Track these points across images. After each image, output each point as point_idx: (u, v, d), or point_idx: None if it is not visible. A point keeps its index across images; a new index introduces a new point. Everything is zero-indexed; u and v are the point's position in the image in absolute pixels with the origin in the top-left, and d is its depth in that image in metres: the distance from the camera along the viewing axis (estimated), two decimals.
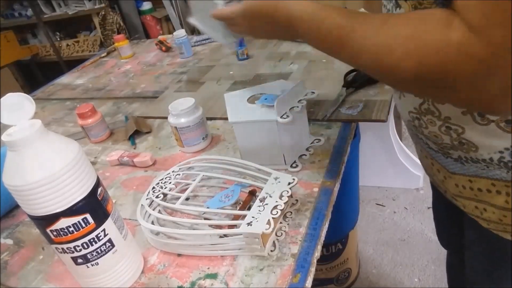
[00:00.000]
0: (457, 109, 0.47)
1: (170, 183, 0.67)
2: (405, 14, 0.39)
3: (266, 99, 0.67)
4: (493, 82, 0.33)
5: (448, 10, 0.34)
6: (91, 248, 0.48)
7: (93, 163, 0.87)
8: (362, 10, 1.18)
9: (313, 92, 0.92)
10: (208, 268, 0.54)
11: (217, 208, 0.58)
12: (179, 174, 0.69)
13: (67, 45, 3.20)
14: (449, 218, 0.77)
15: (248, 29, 0.57)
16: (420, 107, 0.51)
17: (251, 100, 0.70)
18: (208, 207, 0.59)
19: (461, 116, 0.47)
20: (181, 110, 0.77)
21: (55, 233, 0.46)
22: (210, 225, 0.59)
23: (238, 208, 0.59)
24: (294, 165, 0.70)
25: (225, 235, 0.54)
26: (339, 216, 1.13)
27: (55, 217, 0.45)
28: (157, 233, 0.59)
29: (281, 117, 0.63)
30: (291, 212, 0.59)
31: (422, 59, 0.35)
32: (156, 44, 1.52)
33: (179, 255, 0.58)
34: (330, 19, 0.43)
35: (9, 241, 0.70)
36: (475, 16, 0.32)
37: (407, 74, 0.36)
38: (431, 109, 0.49)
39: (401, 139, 1.76)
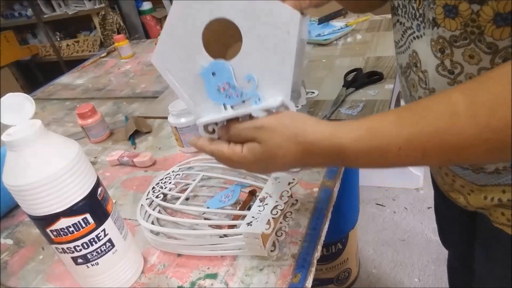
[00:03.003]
0: None
1: (170, 183, 0.67)
2: (495, 76, 0.32)
3: None
4: None
5: None
6: (91, 248, 0.48)
7: (93, 163, 0.87)
8: None
9: (313, 92, 0.91)
10: (208, 268, 0.54)
11: (217, 208, 0.58)
12: (179, 174, 0.69)
13: (67, 45, 3.20)
14: (454, 219, 0.76)
15: (264, 169, 0.45)
16: None
17: None
18: (208, 207, 0.59)
19: None
20: (181, 110, 0.77)
21: (55, 233, 0.46)
22: (210, 225, 0.59)
23: (238, 208, 0.59)
24: None
25: (225, 235, 0.54)
26: (339, 216, 1.13)
27: (55, 217, 0.45)
28: (157, 233, 0.59)
29: None
30: (291, 212, 0.59)
31: None
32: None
33: (179, 255, 0.58)
34: (391, 138, 0.35)
35: (9, 241, 0.70)
36: None
37: None
38: None
39: None
